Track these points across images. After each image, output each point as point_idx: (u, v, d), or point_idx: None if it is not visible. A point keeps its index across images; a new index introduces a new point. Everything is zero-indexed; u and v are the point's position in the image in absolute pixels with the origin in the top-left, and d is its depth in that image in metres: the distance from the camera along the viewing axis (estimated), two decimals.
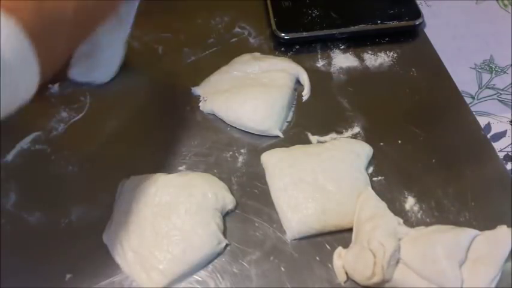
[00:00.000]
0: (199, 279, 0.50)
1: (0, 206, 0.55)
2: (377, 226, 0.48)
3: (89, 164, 0.58)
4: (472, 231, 0.48)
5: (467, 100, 0.64)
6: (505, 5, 0.76)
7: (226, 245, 0.51)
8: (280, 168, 0.55)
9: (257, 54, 0.67)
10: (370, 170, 0.57)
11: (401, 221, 0.51)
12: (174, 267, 0.49)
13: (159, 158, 0.59)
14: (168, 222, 0.50)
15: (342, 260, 0.49)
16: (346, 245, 0.51)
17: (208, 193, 0.52)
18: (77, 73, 0.58)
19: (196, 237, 0.49)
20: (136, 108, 0.63)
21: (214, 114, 0.62)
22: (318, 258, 0.51)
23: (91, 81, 0.61)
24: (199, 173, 0.56)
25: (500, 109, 0.64)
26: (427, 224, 0.52)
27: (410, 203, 0.54)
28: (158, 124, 0.61)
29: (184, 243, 0.49)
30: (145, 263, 0.49)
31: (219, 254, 0.51)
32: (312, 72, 0.66)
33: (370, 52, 0.69)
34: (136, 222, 0.51)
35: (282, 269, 0.50)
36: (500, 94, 0.66)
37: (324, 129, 0.61)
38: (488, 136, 0.60)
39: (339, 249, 0.50)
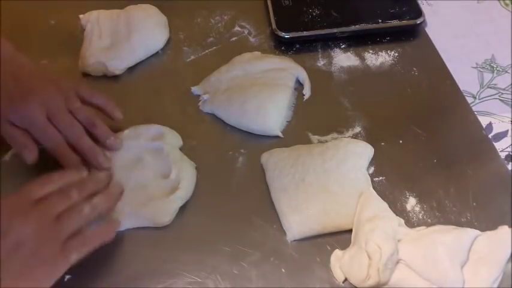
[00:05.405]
0: (199, 280, 0.50)
1: None
2: (376, 228, 0.48)
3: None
4: (474, 232, 0.48)
5: (469, 100, 0.64)
6: (507, 4, 0.76)
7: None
8: (281, 168, 0.55)
9: (257, 53, 0.67)
10: (371, 170, 0.57)
11: (402, 221, 0.50)
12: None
13: None
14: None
15: (339, 261, 0.49)
16: (346, 246, 0.50)
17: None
18: None
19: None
20: (136, 107, 0.63)
21: (214, 114, 0.62)
22: (318, 259, 0.50)
23: None
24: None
25: (502, 109, 0.63)
26: (428, 225, 0.51)
27: (411, 203, 0.54)
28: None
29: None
30: None
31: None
32: (313, 72, 0.65)
33: (371, 51, 0.68)
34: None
35: (282, 270, 0.50)
36: (502, 94, 0.65)
37: (324, 129, 0.60)
38: (490, 136, 0.60)
39: (337, 251, 0.50)
